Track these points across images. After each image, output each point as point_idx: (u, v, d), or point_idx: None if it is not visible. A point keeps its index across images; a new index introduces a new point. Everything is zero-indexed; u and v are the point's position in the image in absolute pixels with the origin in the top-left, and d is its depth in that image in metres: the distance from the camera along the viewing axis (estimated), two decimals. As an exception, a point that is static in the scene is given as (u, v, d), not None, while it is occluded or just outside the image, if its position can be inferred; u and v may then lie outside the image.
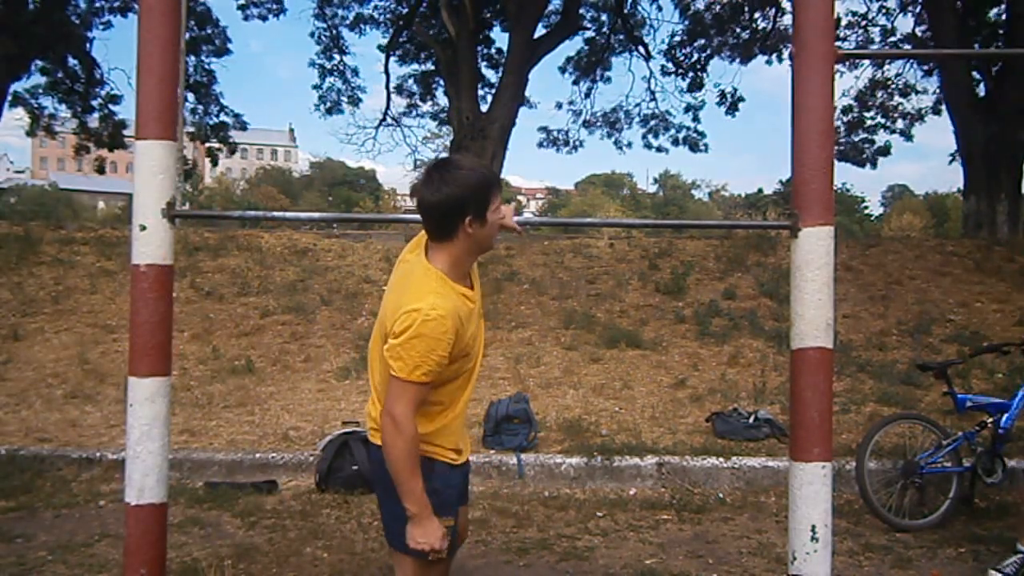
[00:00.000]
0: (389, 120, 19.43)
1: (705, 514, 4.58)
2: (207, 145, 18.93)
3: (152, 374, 2.17)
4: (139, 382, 2.16)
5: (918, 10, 16.11)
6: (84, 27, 16.67)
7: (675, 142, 18.85)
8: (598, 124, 19.24)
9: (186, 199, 43.48)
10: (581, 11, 16.75)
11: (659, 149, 19.12)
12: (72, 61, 16.94)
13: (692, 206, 65.96)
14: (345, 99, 18.72)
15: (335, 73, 18.52)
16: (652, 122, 18.75)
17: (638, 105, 19.10)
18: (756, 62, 20.50)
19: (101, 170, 19.57)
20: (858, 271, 9.57)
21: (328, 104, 18.66)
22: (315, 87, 18.63)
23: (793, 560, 2.11)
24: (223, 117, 18.50)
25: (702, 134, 18.69)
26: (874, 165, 17.84)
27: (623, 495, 4.90)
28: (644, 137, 19.00)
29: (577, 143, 19.66)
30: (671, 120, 18.69)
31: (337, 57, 18.44)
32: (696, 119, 18.46)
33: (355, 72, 19.02)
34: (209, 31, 17.38)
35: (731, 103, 17.85)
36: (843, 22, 16.73)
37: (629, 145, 20.71)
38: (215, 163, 20.71)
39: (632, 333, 7.95)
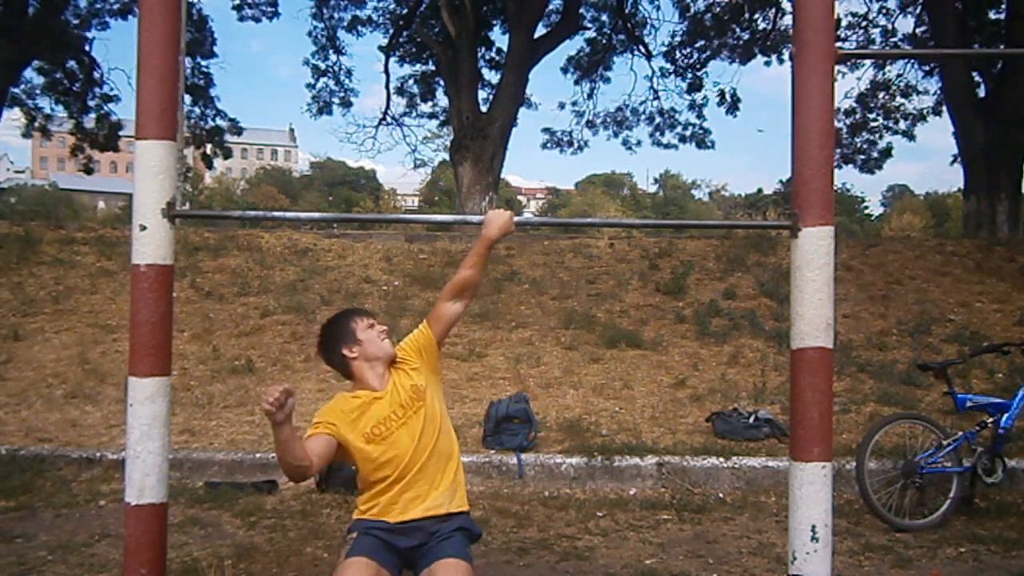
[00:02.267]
0: (389, 120, 19.43)
1: (705, 514, 4.58)
2: (202, 150, 18.88)
3: (152, 374, 2.17)
4: (139, 382, 2.17)
5: (918, 11, 16.11)
6: (83, 28, 16.66)
7: (682, 139, 18.81)
8: (603, 124, 19.22)
9: (186, 199, 43.49)
10: (581, 11, 16.74)
11: (667, 146, 19.05)
12: (70, 61, 16.93)
13: (692, 206, 65.87)
14: (337, 100, 18.68)
15: (329, 74, 18.49)
16: (658, 119, 18.72)
17: (643, 103, 19.05)
18: (755, 62, 20.32)
19: (89, 170, 19.48)
20: (858, 271, 9.57)
21: (320, 104, 18.62)
22: (308, 86, 18.61)
23: (793, 560, 2.11)
24: (219, 121, 18.48)
25: (708, 131, 18.68)
26: (880, 167, 17.80)
27: (623, 495, 4.90)
28: (652, 135, 18.97)
29: (582, 143, 19.63)
30: (676, 118, 18.67)
31: (333, 57, 18.42)
32: (700, 116, 18.45)
33: (348, 74, 18.98)
34: (201, 34, 17.35)
35: (731, 103, 17.85)
36: (843, 23, 16.72)
37: (638, 144, 20.58)
38: (210, 167, 20.67)
39: (632, 333, 7.95)
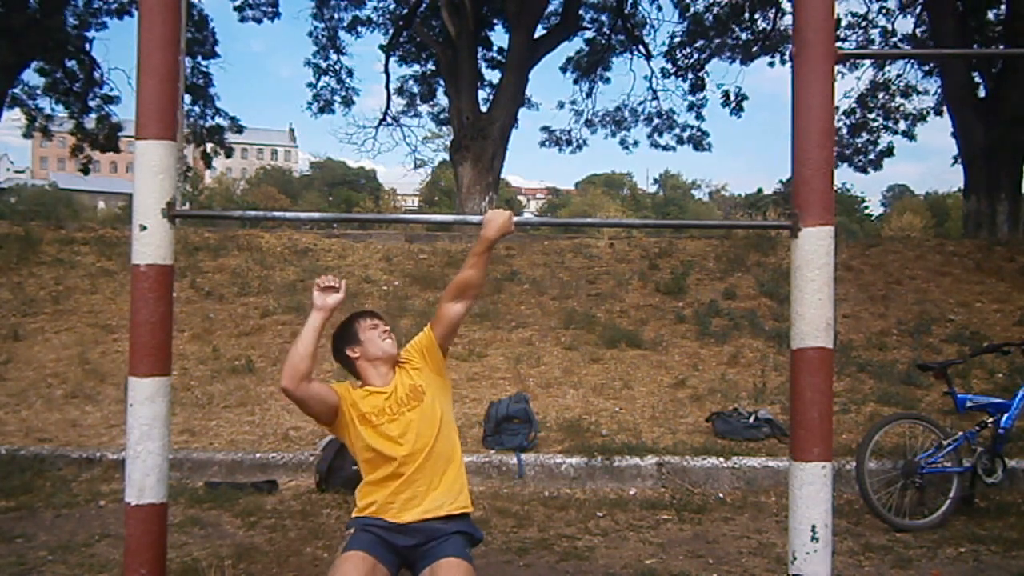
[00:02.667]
0: (389, 120, 19.42)
1: (705, 514, 4.58)
2: (202, 148, 18.88)
3: (152, 374, 2.17)
4: (139, 382, 2.17)
5: (918, 11, 16.11)
6: (82, 28, 16.64)
7: (679, 141, 18.80)
8: (602, 123, 19.21)
9: (186, 199, 43.47)
10: (581, 11, 16.73)
11: (665, 148, 19.07)
12: (70, 62, 16.92)
13: (692, 206, 65.87)
14: (339, 99, 18.68)
15: (330, 73, 18.49)
16: (656, 121, 18.72)
17: (642, 103, 19.04)
18: (756, 62, 20.31)
19: (86, 171, 19.47)
20: (858, 271, 9.57)
21: (321, 103, 18.62)
22: (309, 86, 18.61)
23: (793, 560, 2.11)
24: (219, 120, 18.47)
25: (706, 132, 18.67)
26: (878, 167, 17.79)
27: (623, 495, 4.90)
28: (650, 136, 18.97)
29: (580, 142, 19.62)
30: (675, 119, 18.66)
31: (334, 57, 18.42)
32: (699, 117, 18.44)
33: (350, 72, 18.99)
34: (203, 35, 17.34)
35: (736, 104, 17.84)
36: (843, 23, 16.71)
37: (636, 144, 20.64)
38: (209, 165, 20.67)
39: (632, 333, 7.95)
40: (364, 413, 2.71)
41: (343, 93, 18.64)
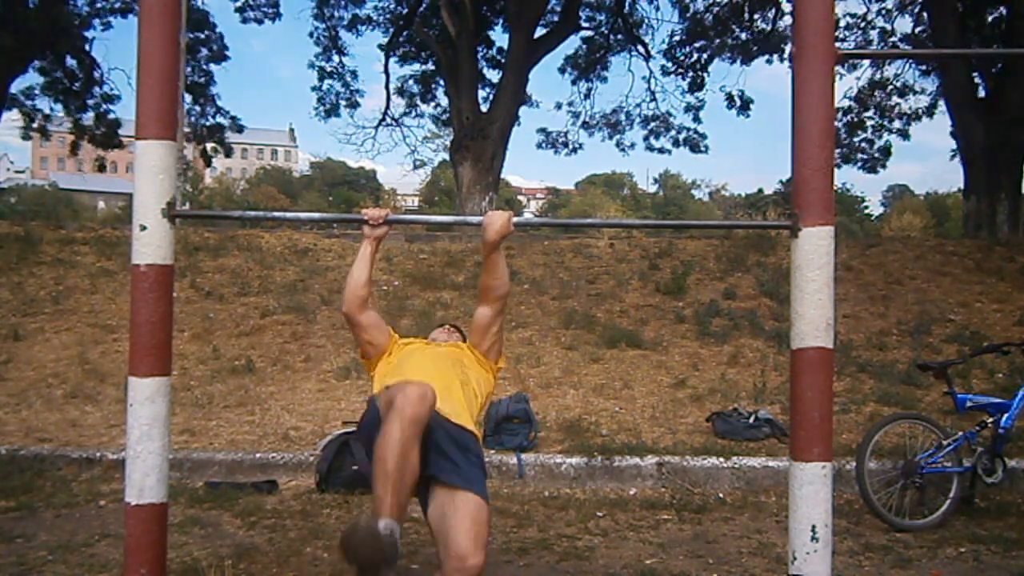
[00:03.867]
0: (389, 120, 19.40)
1: (705, 514, 4.58)
2: (202, 146, 18.88)
3: (152, 374, 2.17)
4: (139, 382, 2.17)
5: (917, 10, 16.11)
6: (83, 26, 16.65)
7: (676, 143, 18.79)
8: (598, 125, 19.19)
9: (186, 199, 43.44)
10: (580, 11, 16.72)
11: (661, 150, 19.10)
12: (71, 61, 16.93)
13: (692, 206, 65.92)
14: (344, 101, 18.69)
15: (334, 75, 18.50)
16: (653, 123, 18.72)
17: (639, 106, 19.03)
18: (756, 62, 20.32)
19: (102, 168, 19.51)
20: (858, 271, 9.57)
21: (327, 106, 18.62)
22: (314, 89, 18.62)
23: (793, 560, 2.11)
24: (219, 119, 18.49)
25: (703, 135, 18.66)
26: (884, 166, 17.78)
27: (623, 495, 4.90)
28: (646, 139, 18.97)
29: (576, 145, 19.58)
30: (672, 121, 18.67)
31: (336, 58, 18.44)
32: (697, 119, 18.44)
33: (354, 75, 18.99)
34: (205, 34, 17.35)
35: (741, 104, 17.84)
36: (842, 23, 16.70)
37: (632, 146, 20.73)
38: (209, 164, 20.71)
39: (632, 333, 7.95)
40: (402, 343, 3.09)
41: (348, 96, 18.66)
